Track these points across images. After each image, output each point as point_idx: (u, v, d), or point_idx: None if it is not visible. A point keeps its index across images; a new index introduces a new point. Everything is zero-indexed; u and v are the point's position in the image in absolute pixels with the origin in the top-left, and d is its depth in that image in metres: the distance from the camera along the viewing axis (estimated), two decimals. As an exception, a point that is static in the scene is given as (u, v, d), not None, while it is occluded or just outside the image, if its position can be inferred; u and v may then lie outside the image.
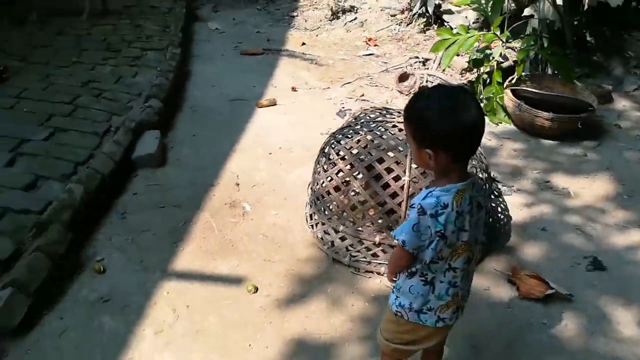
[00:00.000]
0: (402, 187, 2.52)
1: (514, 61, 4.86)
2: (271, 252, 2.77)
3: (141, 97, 4.03)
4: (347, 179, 2.67)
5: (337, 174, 2.69)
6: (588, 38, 5.33)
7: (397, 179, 2.56)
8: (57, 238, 2.48)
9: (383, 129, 2.76)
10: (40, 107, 3.68)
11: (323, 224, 2.79)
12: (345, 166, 2.66)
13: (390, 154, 2.61)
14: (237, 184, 3.36)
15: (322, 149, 2.87)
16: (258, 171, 3.53)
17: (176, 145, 3.75)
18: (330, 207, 2.76)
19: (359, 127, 2.85)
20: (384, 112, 2.97)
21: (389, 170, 2.58)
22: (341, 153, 2.72)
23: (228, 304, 2.43)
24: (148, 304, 2.39)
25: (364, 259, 2.66)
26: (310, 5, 7.12)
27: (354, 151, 2.70)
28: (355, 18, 6.41)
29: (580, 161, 3.86)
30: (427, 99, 1.51)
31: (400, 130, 2.72)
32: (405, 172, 2.53)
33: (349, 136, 2.79)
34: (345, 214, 2.70)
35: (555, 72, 4.60)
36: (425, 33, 5.82)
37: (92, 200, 2.89)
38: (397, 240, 1.57)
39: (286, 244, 2.85)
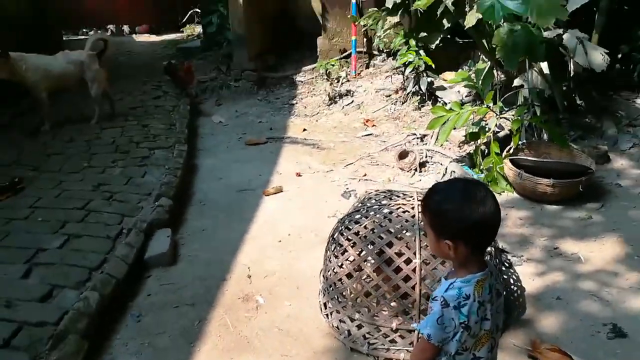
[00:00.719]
0: (414, 270, 2.55)
1: (509, 130, 4.99)
2: (287, 346, 2.75)
3: (151, 196, 4.14)
4: (359, 265, 2.70)
5: (348, 260, 2.72)
6: (578, 101, 5.51)
7: (408, 261, 2.58)
8: (74, 349, 2.48)
9: (389, 212, 2.82)
10: (53, 215, 3.78)
11: (338, 312, 2.78)
12: (356, 252, 2.69)
13: (399, 237, 2.66)
14: (249, 276, 3.39)
15: (332, 235, 2.92)
16: (269, 260, 3.56)
17: (187, 242, 3.81)
18: (344, 295, 2.77)
19: (365, 211, 2.91)
20: (389, 194, 3.04)
21: (399, 254, 2.61)
22: (350, 239, 2.76)
23: (248, 405, 2.39)
24: (167, 412, 2.36)
25: (383, 347, 2.63)
26: (308, 92, 7.43)
27: (363, 236, 2.74)
28: (352, 101, 6.67)
29: (586, 224, 3.89)
30: (445, 192, 1.58)
31: (405, 212, 2.78)
32: (415, 254, 2.56)
33: (357, 221, 2.84)
34: (359, 300, 2.70)
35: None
36: (420, 110, 6.03)
37: (107, 305, 2.92)
38: (422, 334, 1.59)
39: (302, 336, 2.83)
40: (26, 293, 2.93)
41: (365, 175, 4.91)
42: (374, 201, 3.02)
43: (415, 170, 4.91)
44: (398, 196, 3.00)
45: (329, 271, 2.85)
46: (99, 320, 2.82)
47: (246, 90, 7.67)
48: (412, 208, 2.81)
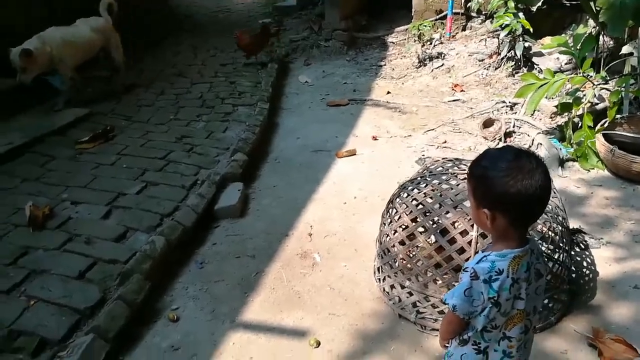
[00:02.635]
0: (469, 243, 2.44)
1: (614, 102, 4.55)
2: (336, 306, 2.78)
3: (229, 151, 4.29)
4: (412, 232, 2.63)
5: (401, 227, 2.66)
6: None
7: (464, 233, 2.48)
8: (137, 287, 2.68)
9: (453, 181, 2.70)
10: (137, 163, 4.05)
11: (389, 277, 2.75)
12: (410, 219, 2.62)
13: (458, 207, 2.55)
14: (310, 235, 3.43)
15: (390, 200, 2.87)
16: (331, 221, 3.58)
17: (257, 196, 3.92)
18: (396, 261, 2.72)
19: (428, 178, 2.81)
20: (457, 162, 2.91)
21: (455, 224, 2.51)
22: (407, 205, 2.69)
23: (289, 357, 2.46)
24: (214, 354, 2.49)
25: (431, 317, 2.58)
26: (398, 54, 7.22)
27: (420, 203, 2.66)
28: (442, 64, 6.39)
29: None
30: (493, 158, 1.48)
31: (467, 182, 2.65)
32: (472, 226, 2.45)
33: (417, 188, 2.76)
34: (411, 268, 2.65)
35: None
36: (514, 77, 5.65)
37: (173, 250, 3.10)
38: (447, 304, 1.53)
39: (352, 297, 2.84)
40: (104, 232, 3.19)
41: (445, 142, 4.73)
42: (440, 168, 2.90)
43: (500, 140, 4.65)
44: (465, 165, 2.86)
45: (383, 236, 2.81)
46: (164, 264, 3.01)
47: (336, 51, 7.60)
48: (476, 178, 2.66)
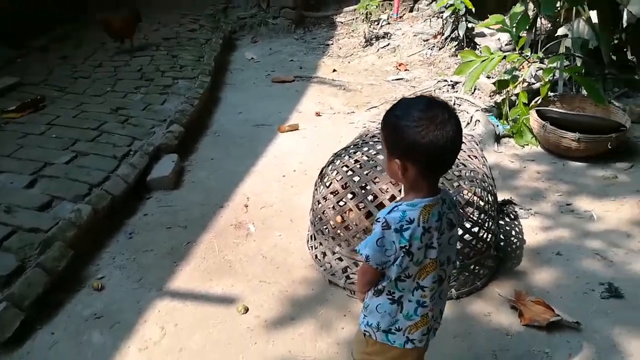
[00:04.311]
0: (395, 207, 2.45)
1: (548, 81, 4.69)
2: (268, 274, 2.75)
3: (165, 123, 4.17)
4: (342, 198, 2.63)
5: (332, 193, 2.66)
6: (629, 57, 5.07)
7: (392, 199, 2.49)
8: (58, 254, 2.57)
9: (380, 148, 2.71)
10: (67, 133, 3.88)
11: (321, 244, 2.75)
12: (340, 185, 2.62)
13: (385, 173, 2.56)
14: (246, 206, 3.39)
15: (322, 168, 2.86)
16: (269, 193, 3.54)
17: (194, 169, 3.84)
18: (327, 228, 2.72)
19: (362, 146, 2.81)
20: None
21: (384, 190, 2.52)
22: (337, 172, 2.69)
23: (216, 324, 2.42)
24: (138, 322, 2.42)
25: (359, 282, 2.59)
26: (346, 34, 7.21)
27: (351, 170, 2.65)
28: (388, 44, 6.42)
29: (608, 184, 3.64)
30: (406, 107, 1.45)
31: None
32: (400, 191, 2.46)
33: (350, 155, 2.75)
34: (340, 234, 2.65)
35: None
36: (456, 56, 5.73)
37: (100, 220, 2.99)
38: (361, 254, 1.53)
39: (284, 265, 2.82)
40: (27, 201, 3.04)
41: (386, 119, 4.75)
42: (370, 137, 2.90)
43: (440, 117, 4.71)
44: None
45: (314, 203, 2.80)
46: (90, 233, 2.90)
47: (284, 29, 7.51)
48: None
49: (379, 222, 1.49)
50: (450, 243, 1.58)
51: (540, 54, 4.72)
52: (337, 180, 2.63)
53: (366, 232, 2.54)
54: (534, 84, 4.77)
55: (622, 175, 3.72)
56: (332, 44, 7.01)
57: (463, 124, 4.58)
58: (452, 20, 5.65)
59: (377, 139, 2.85)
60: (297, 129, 4.55)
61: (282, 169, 3.87)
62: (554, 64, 4.20)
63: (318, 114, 4.87)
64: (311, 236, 2.89)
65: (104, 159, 3.58)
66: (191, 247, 2.97)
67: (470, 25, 5.70)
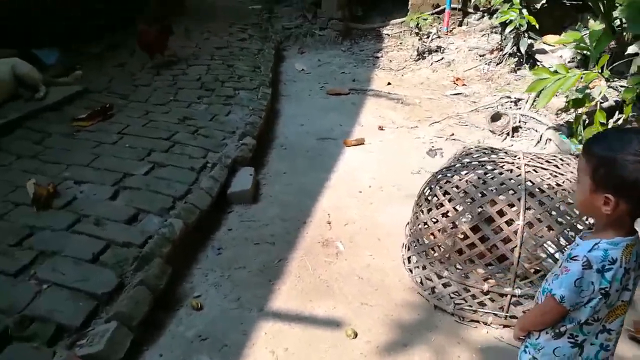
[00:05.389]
0: (515, 232, 2.35)
1: (615, 101, 4.57)
2: (367, 295, 2.66)
3: (235, 135, 4.10)
4: (454, 220, 2.53)
5: (443, 215, 2.56)
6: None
7: (509, 222, 2.39)
8: (158, 272, 2.49)
9: (492, 169, 2.61)
10: (140, 143, 3.82)
11: (424, 267, 2.65)
12: (453, 207, 2.52)
13: (502, 196, 2.46)
14: (329, 222, 3.30)
15: (425, 188, 2.76)
16: (348, 209, 3.45)
17: (268, 182, 3.76)
18: (434, 250, 2.62)
19: (462, 167, 2.72)
20: (489, 151, 2.83)
21: (500, 213, 2.42)
22: (448, 193, 2.59)
23: (327, 349, 2.32)
24: (246, 345, 2.33)
25: (470, 308, 2.48)
26: (394, 46, 7.14)
27: (463, 191, 2.56)
28: (442, 58, 6.34)
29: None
30: (622, 141, 1.34)
31: (510, 170, 2.56)
32: (519, 215, 2.36)
33: (459, 176, 2.66)
34: (450, 258, 2.55)
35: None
36: (516, 72, 5.64)
37: (190, 234, 2.92)
38: (554, 295, 1.43)
39: (382, 287, 2.72)
40: (113, 214, 2.97)
41: (452, 134, 4.66)
42: (473, 157, 2.81)
43: (507, 134, 4.61)
44: (498, 154, 2.78)
45: (418, 224, 2.70)
46: (182, 248, 2.83)
47: (330, 40, 7.46)
48: (518, 167, 2.58)
49: (578, 260, 1.39)
50: (635, 282, 1.48)
51: (608, 73, 4.61)
52: (447, 202, 2.53)
53: (481, 258, 2.44)
54: (602, 102, 4.65)
55: None
56: (381, 56, 6.94)
57: (532, 142, 4.48)
58: (512, 36, 5.55)
59: (479, 158, 2.75)
60: (363, 143, 4.46)
61: (355, 184, 3.78)
62: (635, 84, 4.07)
63: (381, 128, 4.79)
64: (409, 258, 2.79)
65: (182, 171, 3.50)
66: (283, 264, 2.88)
67: (530, 41, 5.60)
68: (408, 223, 2.93)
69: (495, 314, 2.45)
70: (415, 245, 2.72)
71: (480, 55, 6.13)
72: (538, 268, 2.42)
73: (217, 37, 6.87)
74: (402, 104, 5.41)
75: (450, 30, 7.08)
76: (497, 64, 5.86)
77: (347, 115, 5.08)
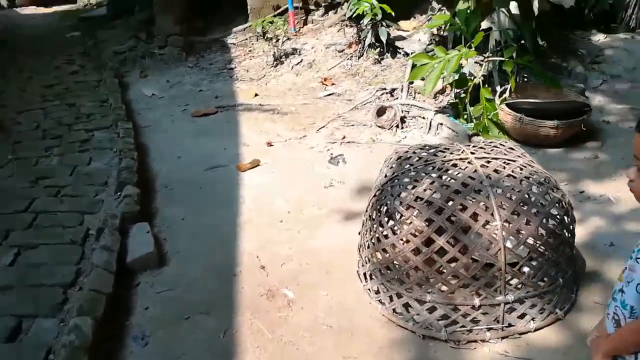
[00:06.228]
0: (494, 235, 2.13)
1: (482, 76, 4.69)
2: (346, 346, 2.25)
3: (108, 186, 3.38)
4: (428, 237, 2.22)
5: (412, 233, 2.24)
6: (540, 42, 5.34)
7: (484, 225, 2.16)
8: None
9: (445, 170, 2.36)
10: (-10, 223, 2.92)
11: (399, 296, 2.31)
12: (423, 222, 2.21)
13: (469, 198, 2.22)
14: (263, 267, 2.81)
15: (377, 205, 2.42)
16: (278, 245, 2.99)
17: (169, 235, 3.12)
18: (409, 275, 2.29)
19: (413, 173, 2.43)
20: (431, 150, 2.58)
21: (473, 217, 2.17)
22: (412, 206, 2.28)
23: None
24: None
25: (463, 329, 2.21)
26: (245, 55, 6.71)
27: (427, 202, 2.26)
28: (302, 60, 6.08)
29: (595, 164, 3.71)
30: None
31: (464, 168, 2.33)
32: (494, 215, 2.14)
33: (410, 185, 2.36)
34: (431, 279, 2.24)
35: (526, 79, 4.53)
36: (380, 63, 5.58)
37: (100, 330, 2.23)
38: None
39: (357, 330, 2.33)
40: (-17, 332, 2.15)
41: (344, 137, 4.41)
42: (415, 160, 2.54)
43: (397, 126, 4.50)
44: (439, 151, 2.55)
45: (382, 248, 2.35)
46: (93, 352, 2.13)
47: (173, 58, 6.78)
48: (470, 163, 2.37)
49: None
50: None
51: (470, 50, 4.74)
52: (415, 218, 2.22)
53: (466, 270, 2.18)
54: (473, 78, 4.77)
55: (600, 154, 3.81)
56: (235, 67, 6.46)
57: (423, 130, 4.42)
58: (369, 27, 5.48)
59: (424, 160, 2.49)
60: (259, 164, 4.00)
61: (271, 213, 3.33)
62: (509, 56, 4.19)
63: (270, 144, 4.36)
64: (375, 289, 2.44)
65: (60, 248, 2.74)
66: (232, 337, 2.33)
67: (388, 30, 5.58)
68: (361, 247, 2.58)
69: (491, 327, 2.21)
70: (384, 273, 2.37)
71: (340, 51, 5.99)
72: (526, 267, 2.22)
73: (43, 75, 5.81)
74: (278, 114, 5.03)
75: (298, 30, 6.86)
76: (359, 57, 5.77)
77: (227, 136, 4.56)
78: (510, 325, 2.21)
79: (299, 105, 5.20)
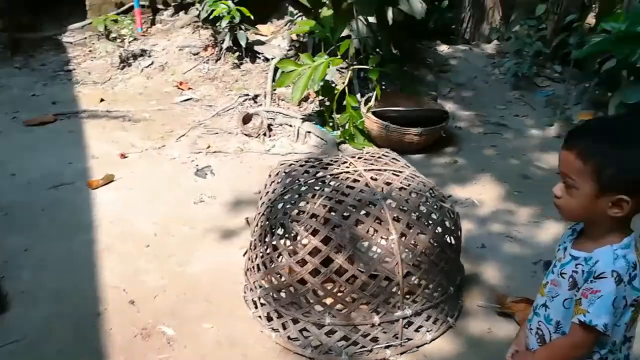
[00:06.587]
0: (391, 249, 2.07)
1: (343, 83, 4.73)
2: (244, 384, 2.02)
3: None
4: (326, 256, 2.07)
5: (310, 254, 2.07)
6: (394, 51, 5.57)
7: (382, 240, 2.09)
8: None
9: (337, 184, 2.25)
10: None
11: (296, 321, 2.14)
12: (320, 241, 2.06)
13: (363, 212, 2.13)
14: (132, 302, 2.44)
15: (268, 226, 2.22)
16: (147, 274, 2.64)
17: (9, 272, 2.59)
18: (308, 298, 2.13)
19: (304, 188, 2.28)
20: (318, 163, 2.45)
21: (370, 232, 2.09)
22: (307, 225, 2.12)
23: None
24: None
25: (364, 349, 2.12)
26: (86, 56, 6.00)
27: (322, 219, 2.12)
28: (152, 62, 5.59)
29: (456, 168, 3.92)
30: (625, 131, 1.16)
31: (355, 181, 2.25)
32: (389, 229, 2.08)
33: (300, 204, 2.20)
34: (330, 300, 2.11)
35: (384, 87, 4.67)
36: (240, 68, 5.35)
37: None
38: (597, 325, 1.18)
39: (253, 364, 2.12)
40: None
41: (209, 147, 4.12)
42: (303, 174, 2.39)
43: (264, 134, 4.32)
44: (331, 164, 2.44)
45: (276, 272, 2.16)
46: None
47: (-5, 57, 5.83)
48: (361, 176, 2.29)
49: (608, 277, 1.18)
50: None
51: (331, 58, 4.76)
52: (312, 236, 2.07)
53: (362, 290, 2.08)
54: (335, 85, 4.79)
55: (459, 159, 4.04)
56: (75, 69, 5.73)
57: (291, 138, 4.32)
58: (227, 30, 5.23)
59: (313, 174, 2.36)
60: (113, 180, 3.54)
61: (135, 236, 2.95)
62: (374, 64, 4.26)
63: (123, 156, 3.90)
64: (267, 316, 2.24)
65: None
66: (104, 391, 1.97)
67: (248, 32, 5.38)
68: (248, 271, 2.36)
69: (391, 344, 2.15)
70: (277, 298, 2.18)
71: (194, 54, 5.63)
72: (421, 280, 2.19)
73: None
74: (130, 121, 4.55)
75: (146, 30, 6.33)
76: (217, 61, 5.48)
77: (71, 148, 3.98)
78: (408, 339, 2.17)
79: (154, 111, 4.76)
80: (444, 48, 6.02)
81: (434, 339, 2.23)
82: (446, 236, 2.25)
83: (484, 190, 3.58)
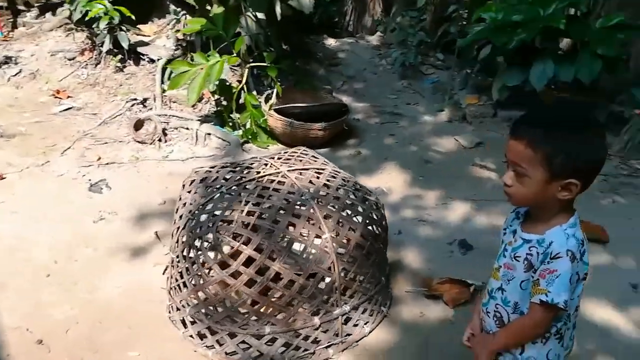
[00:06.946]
0: (325, 248, 2.03)
1: (237, 81, 4.61)
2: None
3: None
4: (262, 263, 1.98)
5: (244, 264, 1.96)
6: (284, 47, 5.53)
7: (317, 237, 2.05)
8: None
9: (262, 188, 2.16)
10: None
11: (233, 335, 2.03)
12: (253, 250, 1.96)
13: (296, 214, 2.07)
14: (40, 342, 2.16)
15: (191, 240, 2.07)
16: (53, 307, 2.36)
17: None
18: (243, 311, 2.02)
19: (228, 196, 2.15)
20: (238, 167, 2.34)
21: (304, 234, 2.04)
22: (239, 234, 2.00)
23: None
24: None
25: (306, 352, 2.07)
26: None
27: (252, 226, 2.02)
28: (21, 70, 5.03)
29: (361, 159, 3.99)
30: (571, 121, 1.22)
31: (280, 183, 2.18)
32: (321, 228, 2.04)
33: (226, 213, 2.07)
34: (264, 311, 2.02)
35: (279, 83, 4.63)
36: (123, 71, 4.99)
37: None
38: (558, 303, 1.23)
39: (192, 387, 1.98)
40: None
41: (100, 158, 3.80)
42: (223, 181, 2.26)
43: (160, 140, 4.08)
44: (251, 167, 2.34)
45: (207, 287, 2.03)
46: None
47: None
48: (285, 177, 2.23)
49: (564, 256, 1.24)
50: None
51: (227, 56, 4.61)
52: (245, 246, 1.96)
53: (300, 294, 2.02)
54: (230, 84, 4.65)
55: (362, 150, 4.12)
56: None
57: (190, 142, 4.13)
58: (106, 32, 4.84)
59: (233, 179, 2.25)
60: (-6, 205, 3.14)
61: (31, 267, 2.63)
62: (271, 61, 4.17)
63: (1, 177, 3.47)
64: (199, 334, 2.10)
65: None
66: None
67: (130, 33, 5.03)
68: (172, 290, 2.19)
69: (332, 343, 2.11)
70: (210, 314, 2.05)
71: (70, 59, 5.15)
72: (357, 275, 2.18)
73: None
74: (2, 137, 4.05)
75: (7, 35, 5.69)
76: (96, 66, 5.06)
77: None
78: (348, 335, 2.15)
79: (29, 124, 4.30)
80: (331, 42, 6.10)
81: (371, 331, 2.24)
82: (375, 228, 2.25)
83: (390, 178, 3.68)
